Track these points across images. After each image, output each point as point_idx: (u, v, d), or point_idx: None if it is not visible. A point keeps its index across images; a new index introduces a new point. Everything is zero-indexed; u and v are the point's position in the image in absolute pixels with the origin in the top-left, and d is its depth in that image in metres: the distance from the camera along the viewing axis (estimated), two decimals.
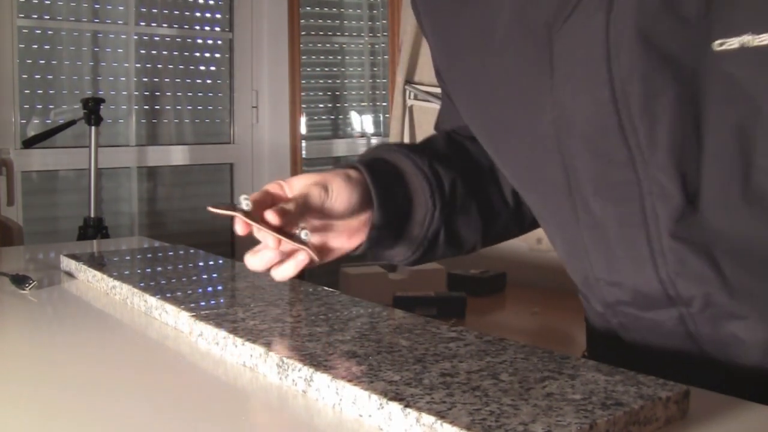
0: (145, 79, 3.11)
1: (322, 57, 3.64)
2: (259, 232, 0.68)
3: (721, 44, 0.54)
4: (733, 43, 0.53)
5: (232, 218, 0.68)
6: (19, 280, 0.98)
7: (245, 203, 0.67)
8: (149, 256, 1.13)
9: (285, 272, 0.71)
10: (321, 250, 0.74)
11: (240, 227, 0.67)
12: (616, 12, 0.56)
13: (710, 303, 0.61)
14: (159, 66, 3.15)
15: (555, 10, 0.60)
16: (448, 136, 0.84)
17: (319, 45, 3.62)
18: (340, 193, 0.71)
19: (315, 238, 0.73)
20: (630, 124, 0.57)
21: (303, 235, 0.69)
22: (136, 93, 3.08)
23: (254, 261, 0.70)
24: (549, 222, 0.73)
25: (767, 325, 0.61)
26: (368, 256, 0.79)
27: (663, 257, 0.61)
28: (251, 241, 0.72)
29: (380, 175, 0.74)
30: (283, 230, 0.68)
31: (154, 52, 3.14)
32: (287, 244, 0.68)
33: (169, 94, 3.18)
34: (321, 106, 3.66)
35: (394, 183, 0.76)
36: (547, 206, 0.71)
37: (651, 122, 0.56)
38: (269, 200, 0.69)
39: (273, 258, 0.70)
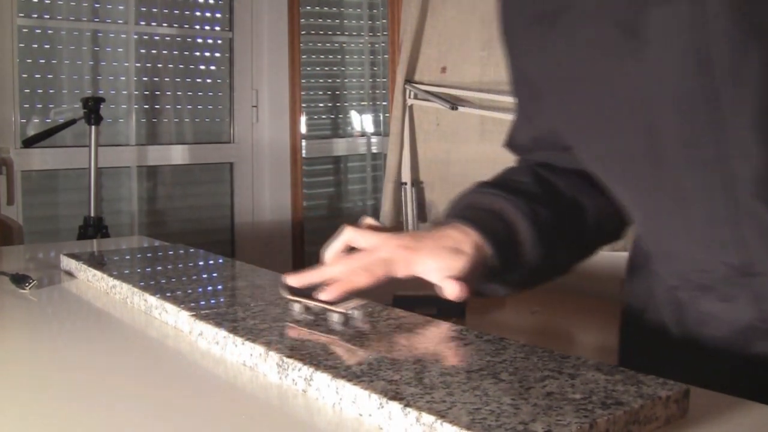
0: (145, 79, 3.11)
1: (322, 56, 3.64)
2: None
3: None
4: None
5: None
6: (19, 280, 0.98)
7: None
8: (149, 255, 1.13)
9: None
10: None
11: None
12: None
13: None
14: (159, 65, 3.15)
15: None
16: (536, 175, 0.85)
17: (319, 45, 3.62)
18: (462, 267, 0.72)
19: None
20: (719, 86, 0.59)
21: (353, 312, 0.73)
22: (136, 92, 3.08)
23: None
24: (631, 195, 0.73)
25: None
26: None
27: (742, 218, 0.62)
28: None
29: (496, 236, 0.75)
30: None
31: (154, 51, 3.14)
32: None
33: (169, 93, 3.18)
34: (321, 105, 3.66)
35: (506, 236, 0.77)
36: (630, 180, 0.71)
37: (739, 85, 0.58)
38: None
39: None
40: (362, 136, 3.78)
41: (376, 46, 3.77)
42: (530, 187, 0.82)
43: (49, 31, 2.89)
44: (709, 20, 0.58)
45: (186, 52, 3.21)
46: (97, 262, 1.04)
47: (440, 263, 0.71)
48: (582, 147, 0.76)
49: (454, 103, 2.96)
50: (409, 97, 3.13)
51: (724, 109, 0.59)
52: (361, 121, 3.78)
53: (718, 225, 0.63)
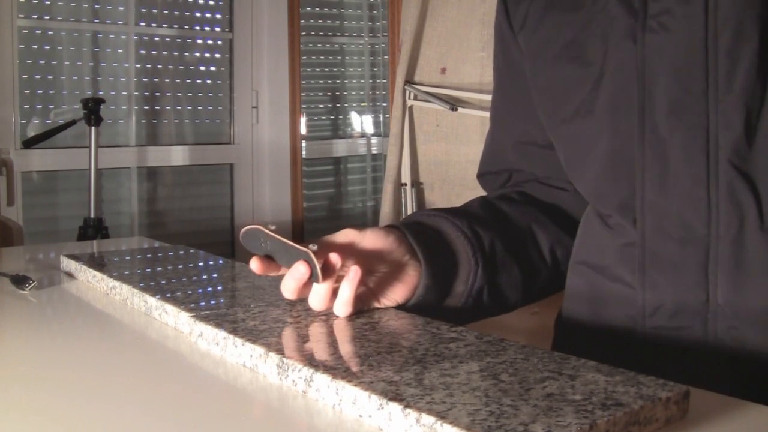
0: (145, 79, 3.11)
1: (322, 57, 3.64)
2: (272, 241, 0.73)
3: None
4: None
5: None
6: (19, 281, 0.98)
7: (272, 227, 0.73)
8: (149, 256, 1.13)
9: (342, 303, 0.72)
10: (365, 297, 0.76)
11: (255, 264, 0.73)
12: None
13: (742, 233, 0.69)
14: (159, 66, 3.15)
15: None
16: (484, 201, 0.90)
17: (319, 45, 3.63)
18: (372, 234, 0.76)
19: (362, 289, 0.75)
20: (714, 63, 0.69)
21: (310, 245, 0.70)
22: (136, 93, 3.09)
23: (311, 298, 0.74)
24: (613, 147, 0.78)
25: None
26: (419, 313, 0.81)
27: (716, 179, 0.70)
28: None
29: (423, 235, 0.79)
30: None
31: (154, 52, 3.14)
32: (293, 248, 0.71)
33: (169, 94, 3.18)
34: (321, 106, 3.66)
35: (437, 242, 0.81)
36: (611, 129, 0.77)
37: (732, 64, 0.68)
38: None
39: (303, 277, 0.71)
40: (362, 137, 3.78)
41: (376, 47, 3.77)
42: (475, 210, 0.87)
43: (49, 32, 2.90)
44: (719, 7, 0.68)
45: (186, 53, 3.22)
46: (97, 263, 1.04)
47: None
48: (566, 103, 0.81)
49: (453, 104, 2.96)
50: (409, 98, 3.14)
51: (714, 83, 0.69)
52: (361, 122, 3.78)
53: (694, 182, 0.71)
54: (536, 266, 0.89)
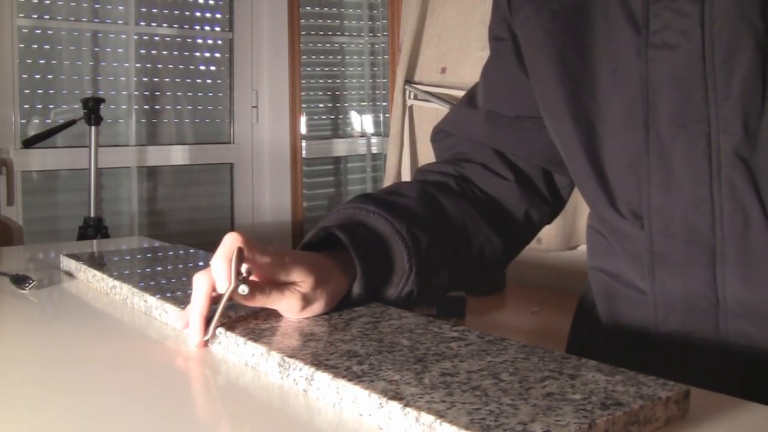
0: (145, 79, 3.11)
1: (322, 57, 3.64)
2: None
3: None
4: None
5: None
6: (19, 280, 0.98)
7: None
8: (149, 256, 1.13)
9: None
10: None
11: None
12: None
13: (747, 232, 0.71)
14: (159, 66, 3.15)
15: None
16: (423, 192, 0.89)
17: (319, 45, 3.63)
18: (298, 268, 0.74)
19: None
20: (712, 71, 0.71)
21: (240, 291, 0.69)
22: (136, 93, 3.09)
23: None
24: (621, 156, 0.80)
25: None
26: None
27: (719, 182, 0.72)
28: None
29: (362, 244, 0.78)
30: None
31: (154, 52, 3.14)
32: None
33: (169, 94, 3.18)
34: (321, 105, 3.66)
35: (375, 250, 0.80)
36: (618, 139, 0.80)
37: (729, 72, 0.70)
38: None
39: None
40: (362, 136, 3.78)
41: (376, 46, 3.77)
42: (414, 206, 0.86)
43: (49, 32, 2.90)
44: (714, 20, 0.71)
45: (186, 53, 3.22)
46: (97, 262, 1.04)
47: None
48: (572, 112, 0.83)
49: (453, 104, 2.97)
50: (409, 98, 3.14)
51: (713, 90, 0.71)
52: (361, 122, 3.78)
53: (698, 185, 0.73)
54: (465, 265, 0.90)
